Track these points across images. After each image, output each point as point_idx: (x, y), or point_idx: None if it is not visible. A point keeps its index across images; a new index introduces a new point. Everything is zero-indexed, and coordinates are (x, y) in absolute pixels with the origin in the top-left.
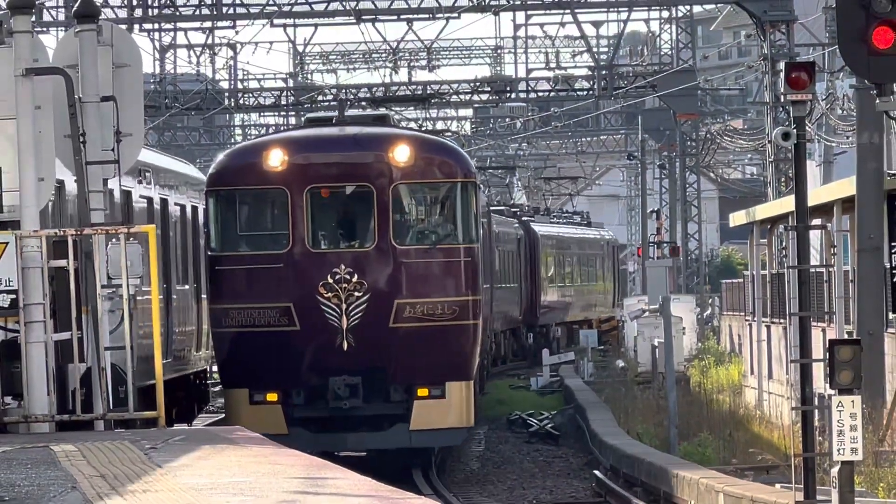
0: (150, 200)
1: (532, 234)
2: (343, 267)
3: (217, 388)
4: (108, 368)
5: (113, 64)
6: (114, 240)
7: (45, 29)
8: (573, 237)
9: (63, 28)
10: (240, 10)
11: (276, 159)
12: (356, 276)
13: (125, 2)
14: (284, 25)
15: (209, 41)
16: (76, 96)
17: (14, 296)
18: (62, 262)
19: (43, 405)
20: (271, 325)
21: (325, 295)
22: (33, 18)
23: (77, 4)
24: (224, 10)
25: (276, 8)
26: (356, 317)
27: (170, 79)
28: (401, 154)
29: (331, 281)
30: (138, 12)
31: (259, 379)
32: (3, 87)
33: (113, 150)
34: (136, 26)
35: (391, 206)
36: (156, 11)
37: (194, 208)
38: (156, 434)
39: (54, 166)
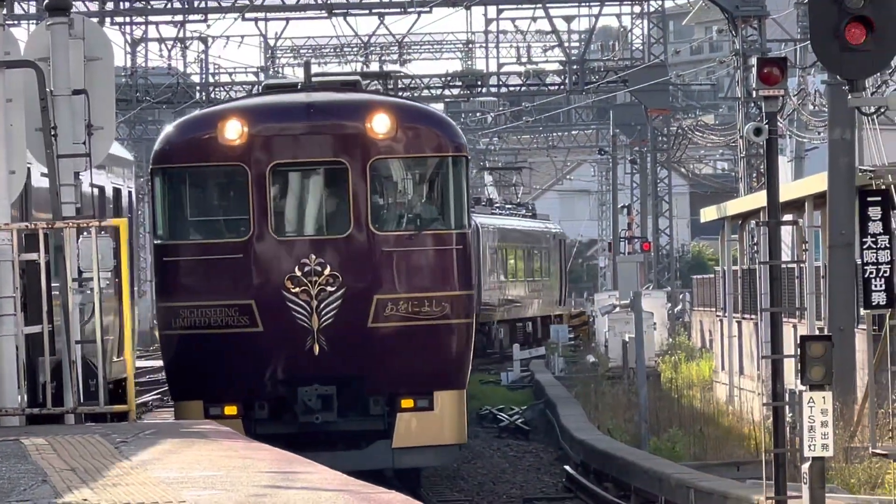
0: (101, 189)
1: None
2: (313, 257)
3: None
4: (78, 362)
5: (84, 57)
6: (84, 233)
7: (16, 22)
8: (516, 229)
9: (34, 21)
10: (211, 3)
11: (232, 131)
12: (328, 268)
13: None
14: (256, 19)
15: (180, 35)
16: (47, 89)
17: None
18: (33, 256)
19: (13, 398)
20: (229, 326)
21: (293, 290)
22: (4, 11)
23: None
24: (195, 3)
25: (247, 2)
26: (329, 315)
27: (141, 72)
28: (379, 124)
29: (299, 274)
30: (109, 5)
31: (215, 389)
32: None
33: (84, 143)
34: (108, 20)
35: (369, 186)
36: (127, 5)
37: (117, 190)
38: (126, 428)
39: (25, 159)
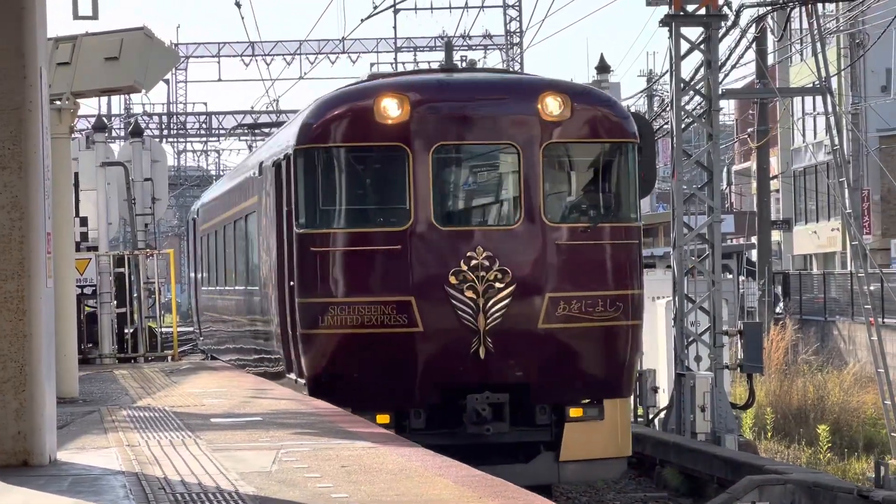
0: None
1: None
2: (481, 250)
3: None
4: (146, 328)
5: (151, 160)
6: (150, 257)
7: (112, 140)
8: None
9: (123, 139)
10: (221, 132)
11: (392, 108)
12: (497, 263)
13: (157, 126)
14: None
15: (204, 149)
16: (130, 178)
17: (94, 288)
18: (121, 269)
19: (110, 348)
20: (384, 326)
21: (458, 286)
22: (105, 135)
23: (131, 127)
24: (213, 131)
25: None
26: (497, 315)
27: (182, 169)
28: (553, 105)
29: (464, 268)
30: (165, 132)
31: (365, 395)
32: (90, 172)
33: (150, 207)
34: (164, 139)
35: (541, 173)
36: (174, 130)
37: None
38: (172, 364)
39: (117, 216)
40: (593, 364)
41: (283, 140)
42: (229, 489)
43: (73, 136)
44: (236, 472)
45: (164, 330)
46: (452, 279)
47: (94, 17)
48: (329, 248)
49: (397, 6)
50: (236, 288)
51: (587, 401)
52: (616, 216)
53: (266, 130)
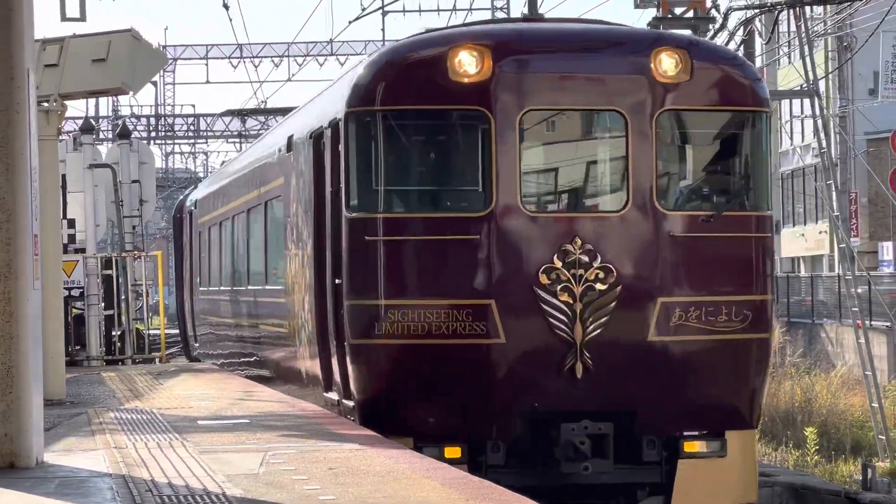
0: None
1: None
2: (578, 242)
3: None
4: (133, 331)
5: (138, 162)
6: (137, 259)
7: (100, 142)
8: None
9: (111, 141)
10: (210, 134)
11: (472, 63)
12: (599, 258)
13: (145, 128)
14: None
15: (192, 151)
16: (118, 180)
17: (81, 290)
18: (109, 271)
19: (97, 350)
20: (456, 336)
21: (550, 287)
22: (93, 136)
23: (119, 129)
24: (200, 133)
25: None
26: (598, 324)
27: (170, 171)
28: (669, 63)
29: (558, 265)
30: (153, 134)
31: (432, 422)
32: (77, 174)
33: (138, 209)
34: (152, 141)
35: (654, 147)
36: (162, 132)
37: None
38: (159, 367)
39: (104, 218)
40: (714, 386)
41: (326, 105)
42: (216, 491)
43: (60, 137)
44: (223, 474)
45: (151, 332)
46: (543, 278)
47: (82, 18)
48: (389, 236)
49: (385, 8)
50: (249, 288)
51: (706, 432)
52: (745, 203)
53: (261, 119)
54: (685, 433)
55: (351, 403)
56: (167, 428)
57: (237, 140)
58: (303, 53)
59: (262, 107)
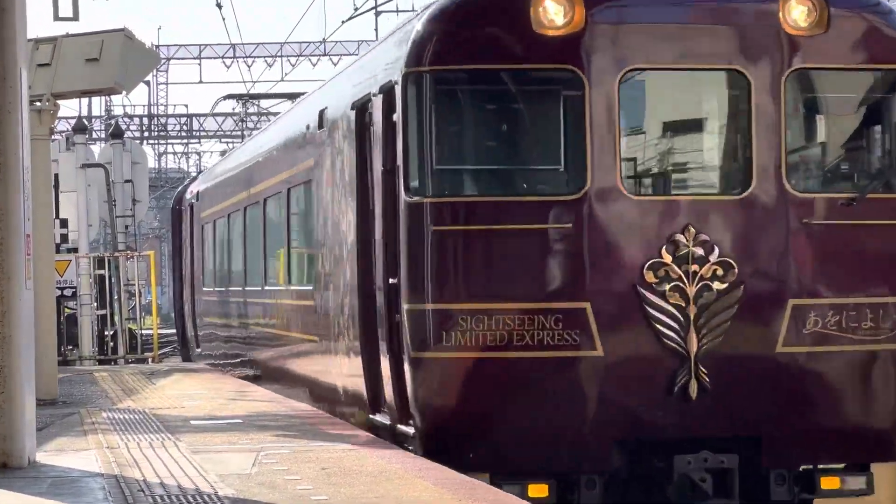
0: None
1: None
2: (692, 232)
3: None
4: (126, 330)
5: (131, 162)
6: (129, 259)
7: (92, 142)
8: None
9: (103, 141)
10: (203, 134)
11: (557, 12)
12: (717, 251)
13: (138, 127)
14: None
15: (185, 151)
16: (111, 179)
17: (74, 290)
18: (101, 271)
19: (90, 349)
20: (545, 348)
21: (657, 287)
22: (86, 136)
23: (112, 129)
24: (193, 133)
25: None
26: (717, 332)
27: (163, 171)
28: (800, 13)
29: (667, 259)
30: (146, 134)
31: (512, 454)
32: (70, 174)
33: (130, 209)
34: (145, 141)
35: (783, 114)
36: (155, 132)
37: None
38: (152, 367)
39: (97, 218)
40: (857, 408)
41: (372, 69)
42: (209, 491)
43: (53, 137)
44: (216, 474)
45: (144, 332)
46: (649, 276)
47: (75, 18)
48: (460, 225)
49: (379, 8)
50: (266, 289)
51: (847, 465)
52: (893, 184)
53: (263, 108)
54: (822, 466)
55: (409, 430)
56: (159, 428)
57: (230, 140)
58: (296, 53)
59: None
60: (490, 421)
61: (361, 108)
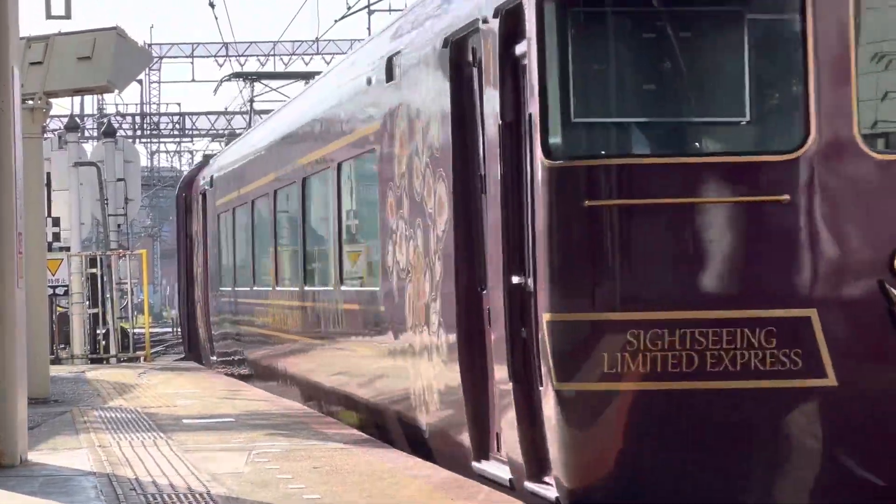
0: None
1: None
2: None
3: None
4: (118, 329)
5: (124, 160)
6: (122, 258)
7: (85, 140)
8: None
9: (96, 140)
10: (195, 133)
11: None
12: None
13: (130, 126)
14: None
15: (178, 149)
16: (103, 178)
17: (66, 288)
18: (94, 270)
19: (82, 348)
20: (750, 375)
21: None
22: (78, 135)
23: (104, 127)
24: (186, 132)
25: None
26: None
27: (155, 170)
28: None
29: None
30: (138, 132)
31: None
32: (62, 173)
33: (123, 207)
34: (137, 140)
35: None
36: (148, 131)
37: None
38: (144, 365)
39: (89, 216)
40: None
41: None
42: (201, 490)
43: (45, 135)
44: (208, 472)
45: (136, 331)
46: None
47: (67, 16)
48: (630, 198)
49: (371, 7)
50: (307, 290)
51: None
52: None
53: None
54: None
55: (547, 491)
56: (151, 426)
57: (223, 139)
58: (289, 52)
59: (257, 104)
60: (675, 477)
61: (459, 43)
